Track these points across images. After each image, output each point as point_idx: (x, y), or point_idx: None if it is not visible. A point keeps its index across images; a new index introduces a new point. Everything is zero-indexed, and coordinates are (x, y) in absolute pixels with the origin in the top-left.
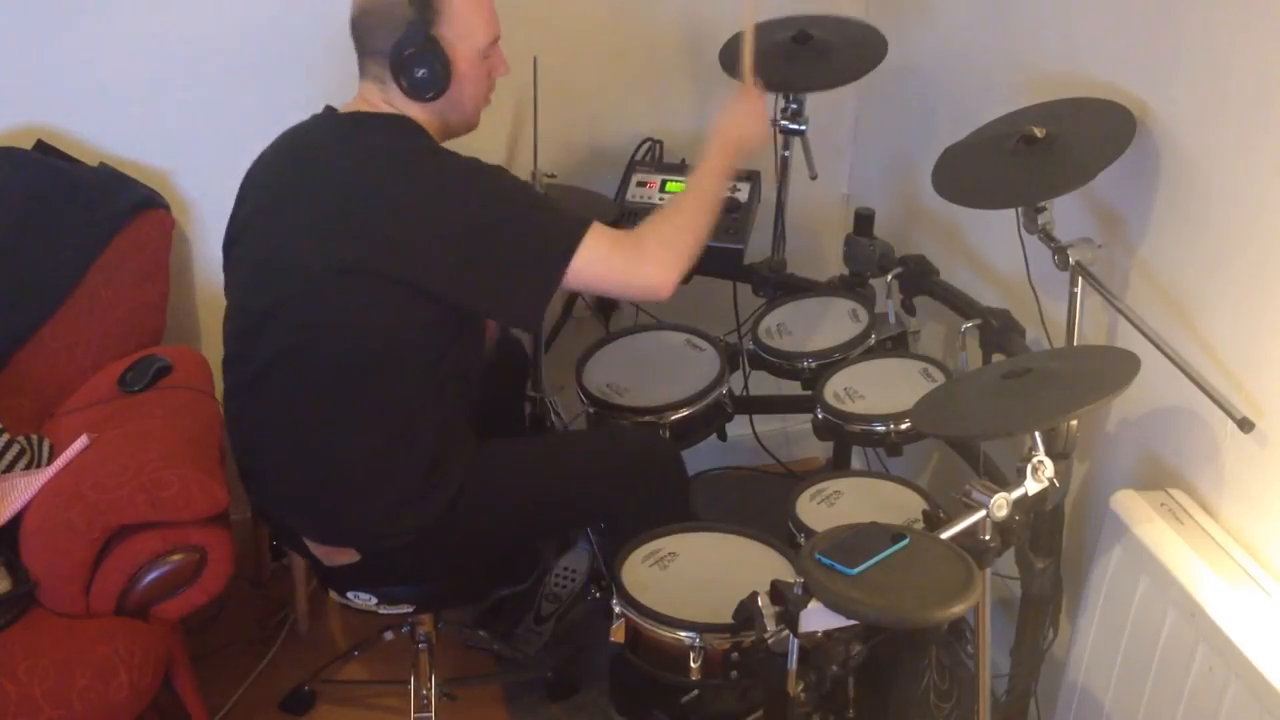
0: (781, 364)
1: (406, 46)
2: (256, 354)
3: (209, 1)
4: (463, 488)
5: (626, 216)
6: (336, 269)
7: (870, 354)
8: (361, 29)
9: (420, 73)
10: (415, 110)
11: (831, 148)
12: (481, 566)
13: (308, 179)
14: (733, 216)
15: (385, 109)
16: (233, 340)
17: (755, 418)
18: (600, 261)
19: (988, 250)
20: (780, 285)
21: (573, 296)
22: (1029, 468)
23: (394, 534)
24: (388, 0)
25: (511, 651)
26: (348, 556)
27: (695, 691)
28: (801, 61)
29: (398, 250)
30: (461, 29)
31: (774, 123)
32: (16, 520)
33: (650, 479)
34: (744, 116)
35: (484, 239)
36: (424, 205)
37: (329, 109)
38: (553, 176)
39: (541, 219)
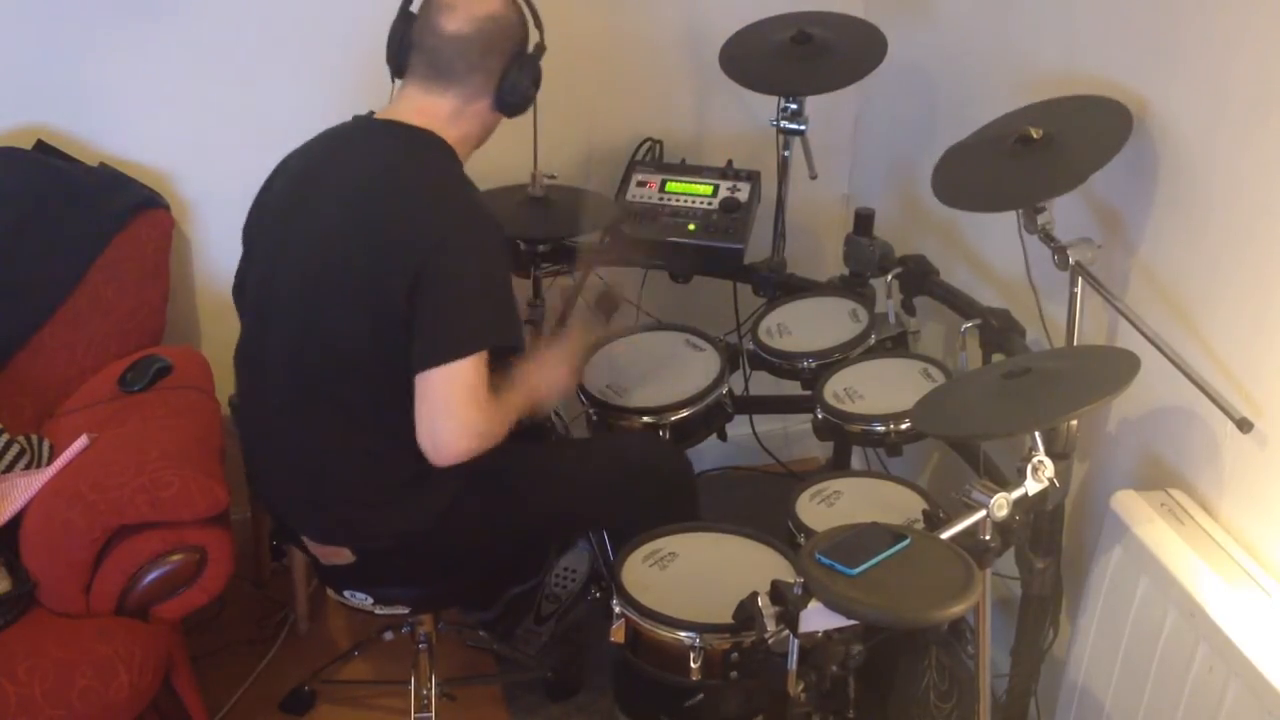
0: (781, 364)
1: (528, 62)
2: (265, 351)
3: (209, 2)
4: (459, 494)
5: (627, 217)
6: (335, 272)
7: (870, 354)
8: (473, 43)
9: (532, 89)
10: (468, 129)
11: (831, 148)
12: (480, 571)
13: (330, 181)
14: (733, 216)
15: (430, 125)
16: (245, 334)
17: (755, 418)
18: (469, 382)
19: (988, 250)
20: (780, 285)
21: (573, 295)
22: (1029, 468)
23: (389, 535)
24: (510, 22)
25: (511, 651)
26: (344, 557)
27: (700, 695)
28: (801, 61)
29: (383, 256)
30: None
31: (774, 123)
32: (16, 520)
33: (658, 494)
34: (552, 371)
35: (462, 283)
36: (440, 230)
37: (370, 114)
38: (553, 178)
39: (508, 303)
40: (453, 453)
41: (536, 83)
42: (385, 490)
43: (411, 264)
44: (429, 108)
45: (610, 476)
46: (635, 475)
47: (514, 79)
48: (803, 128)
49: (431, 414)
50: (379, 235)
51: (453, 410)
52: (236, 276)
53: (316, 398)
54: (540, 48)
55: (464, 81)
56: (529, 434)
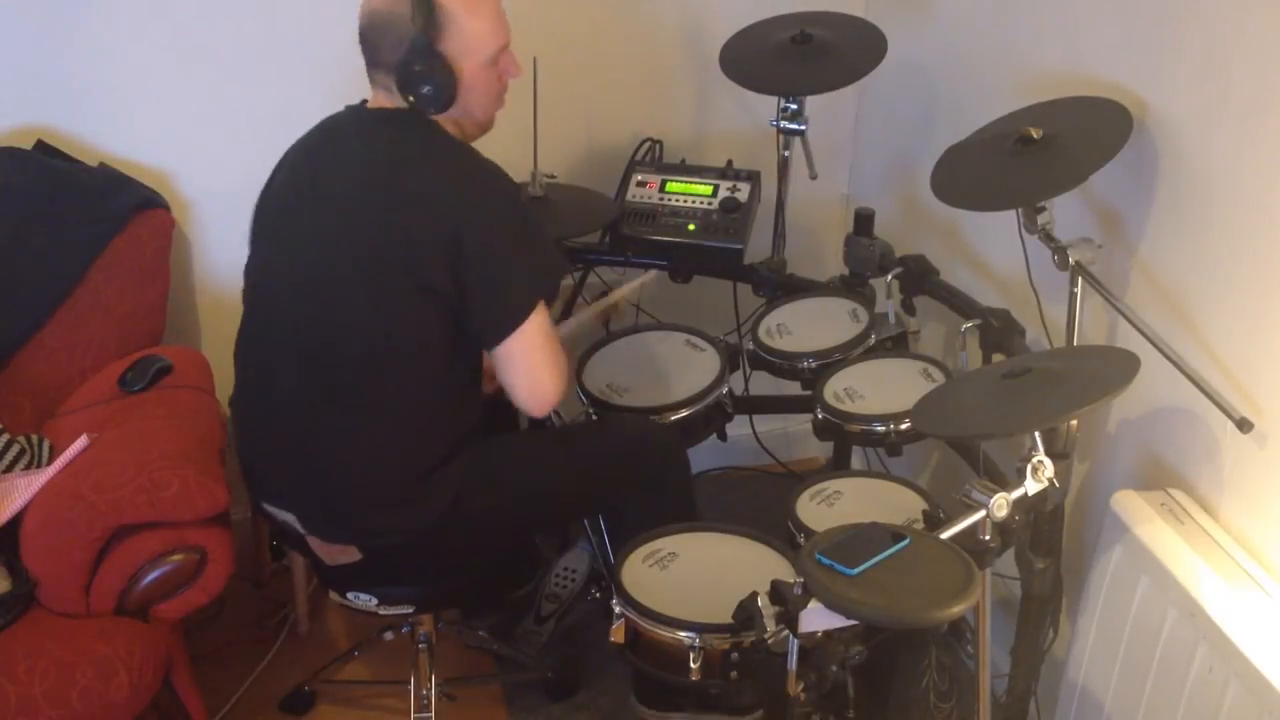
0: (781, 364)
1: (411, 63)
2: (267, 349)
3: (210, 2)
4: (463, 485)
5: (627, 217)
6: (345, 267)
7: (870, 354)
8: (368, 41)
9: (425, 89)
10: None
11: (831, 148)
12: (483, 566)
13: (330, 173)
14: (733, 216)
15: (404, 106)
16: (245, 335)
17: (755, 418)
18: (544, 331)
19: (988, 250)
20: (780, 285)
21: (573, 296)
22: (1029, 468)
23: (395, 531)
24: (392, 14)
25: (511, 651)
26: (349, 555)
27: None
28: (801, 61)
29: (411, 242)
30: (466, 43)
31: (774, 123)
32: (16, 520)
33: (651, 466)
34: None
35: (499, 249)
36: (459, 204)
37: (363, 103)
38: (553, 177)
39: (543, 244)
40: (554, 398)
41: (428, 80)
42: (394, 487)
43: (447, 244)
44: (379, 99)
45: (604, 450)
46: (628, 448)
47: (409, 77)
48: (803, 128)
49: (528, 372)
50: (397, 224)
51: (543, 361)
52: (245, 277)
53: (327, 395)
54: (427, 39)
55: (376, 76)
56: (528, 427)
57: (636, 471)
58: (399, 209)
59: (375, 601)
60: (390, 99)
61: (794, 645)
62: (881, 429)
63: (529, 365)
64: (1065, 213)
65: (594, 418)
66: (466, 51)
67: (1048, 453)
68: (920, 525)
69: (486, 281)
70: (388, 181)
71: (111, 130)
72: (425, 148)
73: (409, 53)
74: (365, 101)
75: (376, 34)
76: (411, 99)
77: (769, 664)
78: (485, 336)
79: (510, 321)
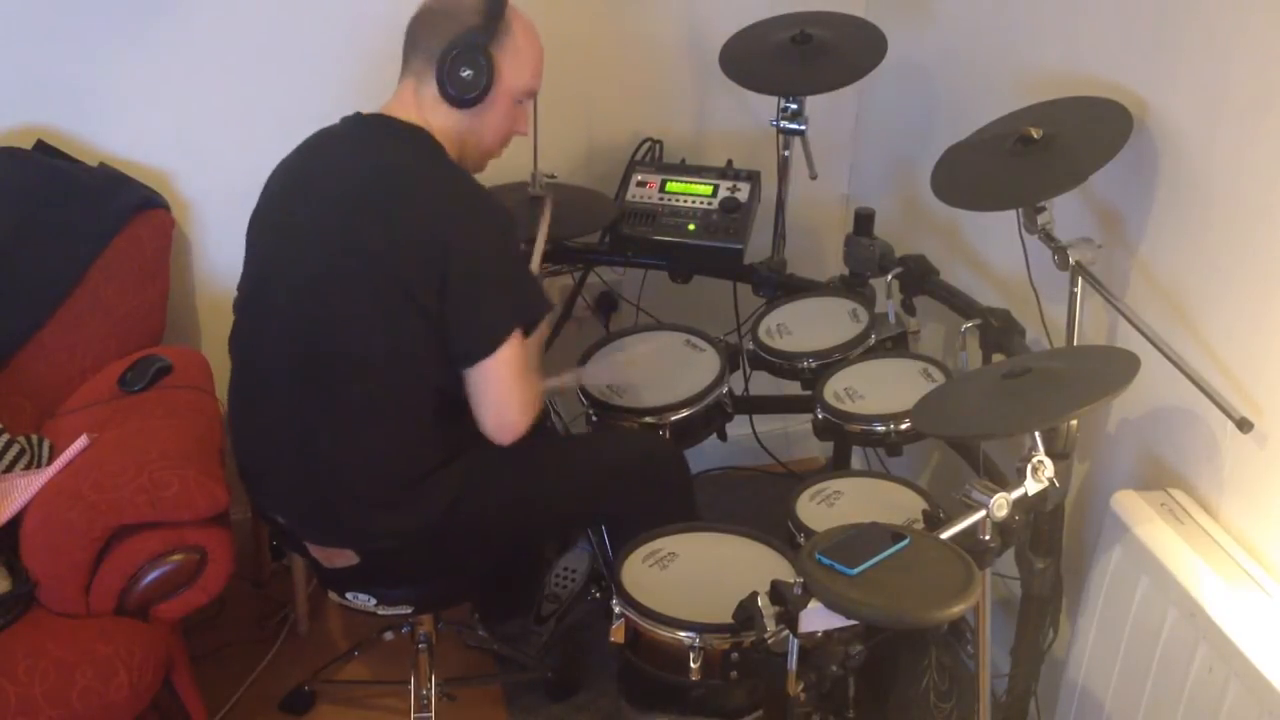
0: (781, 364)
1: (460, 45)
2: (262, 353)
3: (209, 2)
4: (461, 492)
5: (627, 217)
6: (342, 269)
7: (870, 354)
8: (423, 23)
9: (465, 72)
10: (438, 123)
11: (831, 148)
12: (481, 569)
13: (323, 180)
14: (733, 216)
15: (412, 117)
16: (239, 338)
17: (755, 418)
18: (520, 361)
19: (988, 250)
20: (780, 285)
21: (573, 296)
22: (1029, 468)
23: (393, 534)
24: (460, 5)
25: (511, 651)
26: (346, 559)
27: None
28: (801, 61)
29: (404, 246)
30: (514, 60)
31: (774, 123)
32: (16, 520)
33: (653, 483)
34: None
35: (485, 271)
36: (453, 220)
37: (357, 114)
38: (553, 177)
39: (528, 279)
40: (518, 430)
41: (471, 65)
42: (390, 491)
43: (436, 260)
44: (400, 96)
45: (605, 466)
46: (630, 464)
47: (453, 58)
48: (803, 128)
49: (497, 400)
50: (392, 234)
51: (513, 391)
52: (239, 289)
53: (322, 400)
54: (485, 34)
55: (413, 61)
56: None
57: (637, 486)
58: (397, 213)
59: (374, 601)
60: (413, 91)
61: (794, 645)
62: (881, 429)
63: (499, 393)
64: (1065, 213)
65: (594, 418)
66: (511, 68)
67: (1048, 453)
68: (920, 525)
69: (470, 301)
70: (389, 185)
71: (111, 130)
72: (428, 161)
73: (461, 38)
74: (359, 114)
75: (434, 18)
76: (446, 80)
77: (769, 664)
78: (461, 356)
79: (487, 344)
